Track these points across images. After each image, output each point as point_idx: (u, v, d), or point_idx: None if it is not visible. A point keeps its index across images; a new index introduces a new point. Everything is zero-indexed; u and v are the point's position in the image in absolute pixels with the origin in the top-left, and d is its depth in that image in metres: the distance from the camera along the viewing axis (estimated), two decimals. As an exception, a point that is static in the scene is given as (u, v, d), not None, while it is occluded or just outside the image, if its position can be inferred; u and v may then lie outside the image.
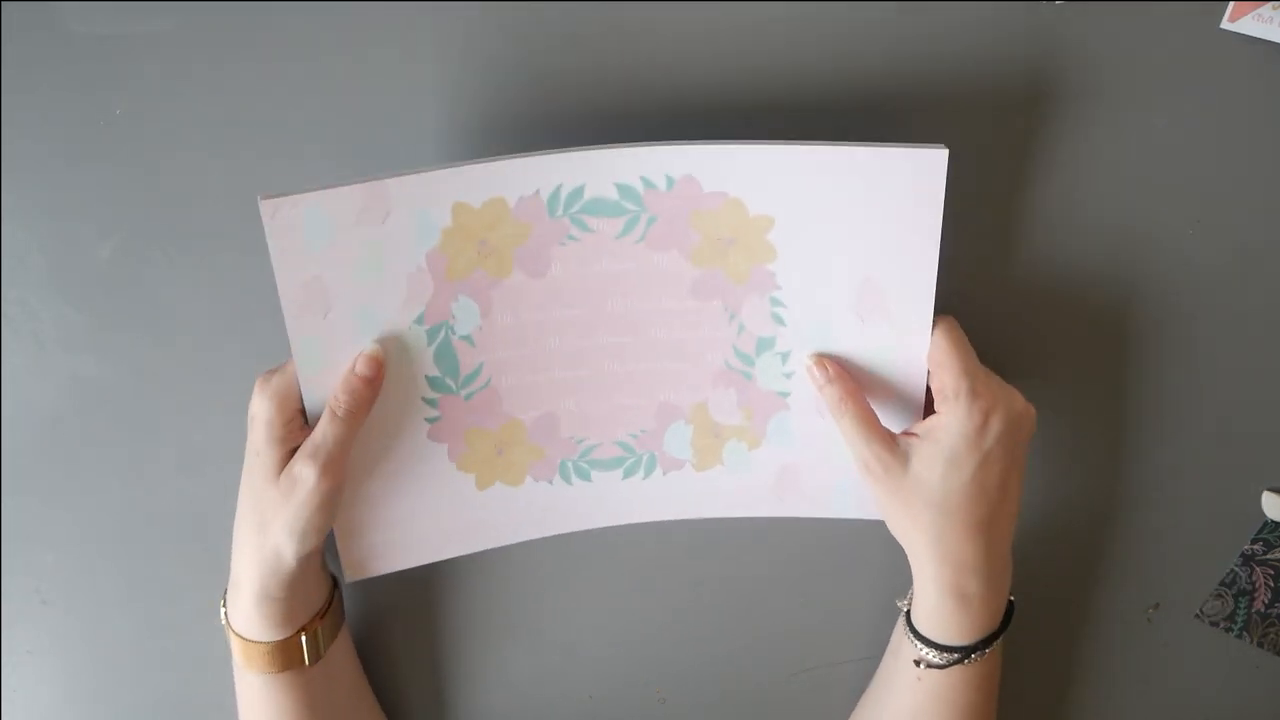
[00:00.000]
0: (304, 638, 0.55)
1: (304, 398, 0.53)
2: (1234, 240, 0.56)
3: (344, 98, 0.54)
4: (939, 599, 0.53)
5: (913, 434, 0.52)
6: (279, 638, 0.54)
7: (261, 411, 0.52)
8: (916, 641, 0.55)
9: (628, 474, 0.59)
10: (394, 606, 0.63)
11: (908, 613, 0.56)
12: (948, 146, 0.55)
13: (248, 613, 0.53)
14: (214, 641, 0.63)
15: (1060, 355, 0.58)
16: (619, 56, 0.53)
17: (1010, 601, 0.55)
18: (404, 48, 0.53)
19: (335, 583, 0.58)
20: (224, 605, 0.56)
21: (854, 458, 0.53)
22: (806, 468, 0.58)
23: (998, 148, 0.55)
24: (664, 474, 0.59)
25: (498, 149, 0.54)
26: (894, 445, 0.52)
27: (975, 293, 0.57)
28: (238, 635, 0.54)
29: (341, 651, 0.59)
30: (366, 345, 0.53)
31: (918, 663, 0.55)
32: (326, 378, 0.53)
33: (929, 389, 0.54)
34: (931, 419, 0.52)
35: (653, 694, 0.65)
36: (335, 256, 0.52)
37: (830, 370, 0.53)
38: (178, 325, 0.57)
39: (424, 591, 0.62)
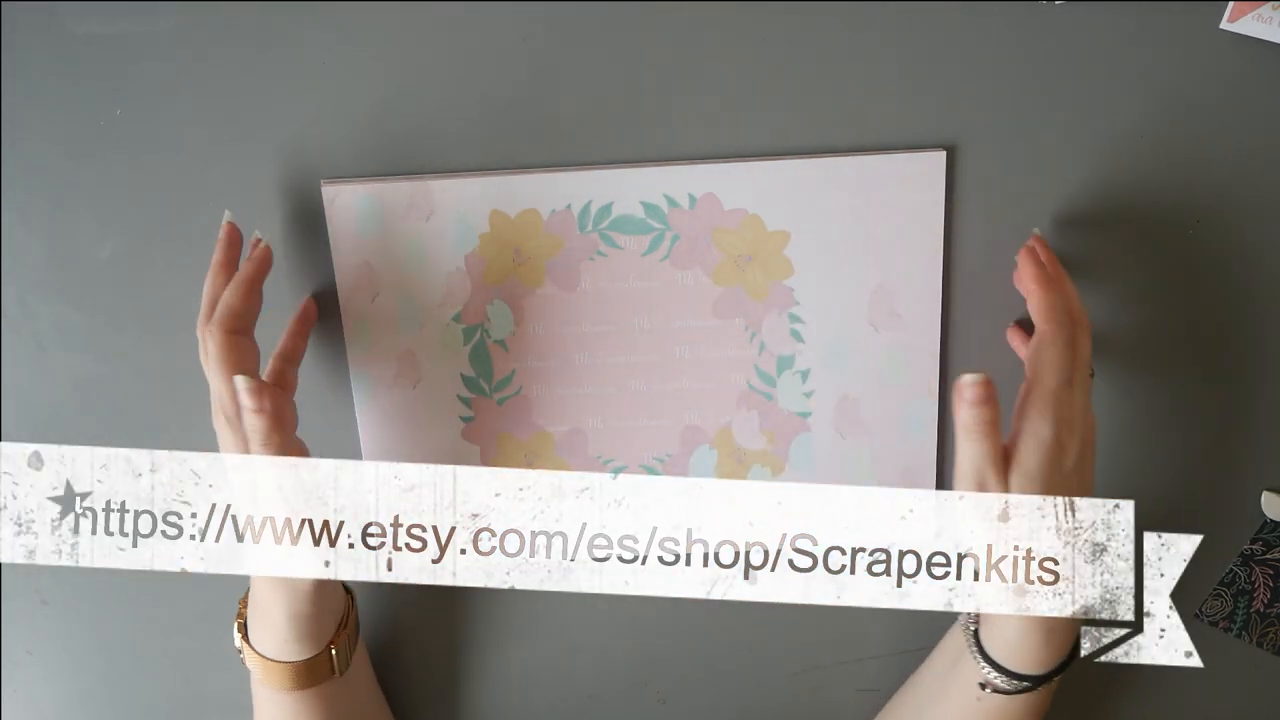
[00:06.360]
0: (333, 651, 0.54)
1: (351, 375, 0.57)
2: (1234, 240, 0.56)
3: (344, 97, 0.54)
4: (1022, 631, 0.50)
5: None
6: (309, 655, 0.53)
7: (271, 405, 0.48)
8: (985, 665, 0.52)
9: None
10: (399, 610, 0.63)
11: (975, 632, 0.53)
12: (948, 147, 0.55)
13: (280, 633, 0.52)
14: (213, 641, 0.63)
15: (1060, 355, 0.58)
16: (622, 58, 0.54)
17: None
18: (403, 47, 0.53)
19: (349, 593, 0.58)
20: (239, 631, 0.54)
21: (967, 473, 0.49)
22: None
23: (998, 147, 0.55)
24: None
25: (508, 152, 0.55)
26: (1005, 471, 0.48)
27: (979, 292, 0.57)
28: (262, 657, 0.53)
29: (360, 661, 0.58)
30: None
31: (983, 685, 0.52)
32: (373, 358, 0.56)
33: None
34: (1016, 439, 0.49)
35: (653, 694, 0.65)
36: (384, 246, 0.55)
37: (986, 392, 0.48)
38: (178, 325, 0.57)
39: (427, 591, 0.62)
